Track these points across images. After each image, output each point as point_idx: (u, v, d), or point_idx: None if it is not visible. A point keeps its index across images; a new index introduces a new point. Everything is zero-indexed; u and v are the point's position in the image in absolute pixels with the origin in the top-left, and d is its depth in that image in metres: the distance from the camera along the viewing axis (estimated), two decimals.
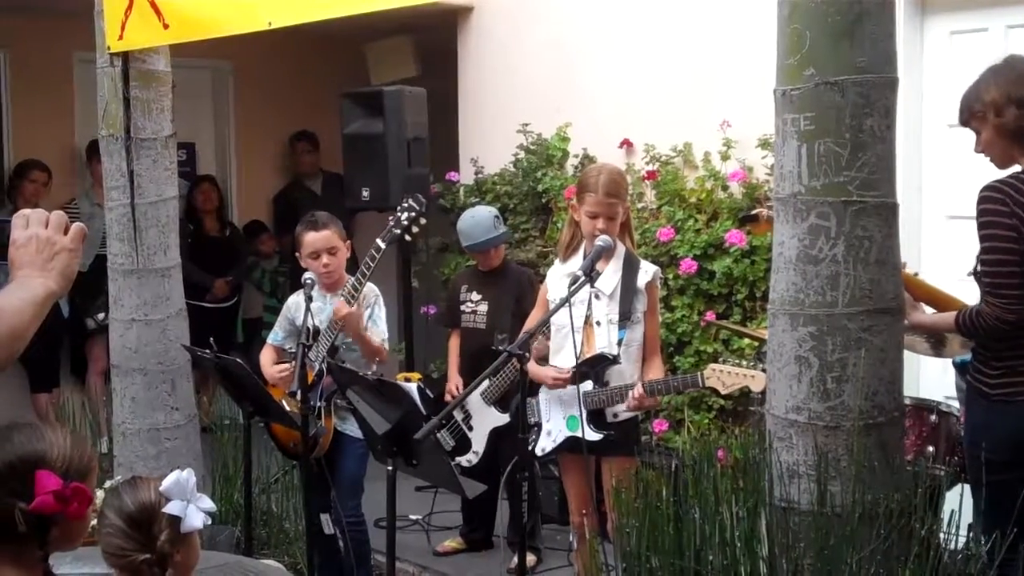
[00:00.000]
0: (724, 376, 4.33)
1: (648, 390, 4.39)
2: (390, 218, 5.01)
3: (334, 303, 4.94)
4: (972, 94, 3.64)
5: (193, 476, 2.61)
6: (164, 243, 5.47)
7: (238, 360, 4.87)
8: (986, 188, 3.53)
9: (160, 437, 5.49)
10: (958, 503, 3.77)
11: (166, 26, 4.92)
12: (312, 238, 5.01)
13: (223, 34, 4.95)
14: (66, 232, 2.35)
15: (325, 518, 5.03)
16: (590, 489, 4.58)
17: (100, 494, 3.38)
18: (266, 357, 5.25)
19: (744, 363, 4.40)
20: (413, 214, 4.94)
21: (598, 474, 4.64)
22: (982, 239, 3.53)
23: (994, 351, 3.58)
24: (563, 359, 4.53)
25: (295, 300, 5.20)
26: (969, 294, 3.81)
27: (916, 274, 3.81)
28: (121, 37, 5.15)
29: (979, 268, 3.57)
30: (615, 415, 4.49)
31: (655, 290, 4.57)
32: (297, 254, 5.14)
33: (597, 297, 4.47)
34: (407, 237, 5.04)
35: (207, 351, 4.86)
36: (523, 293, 5.69)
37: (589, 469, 4.51)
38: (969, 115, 3.65)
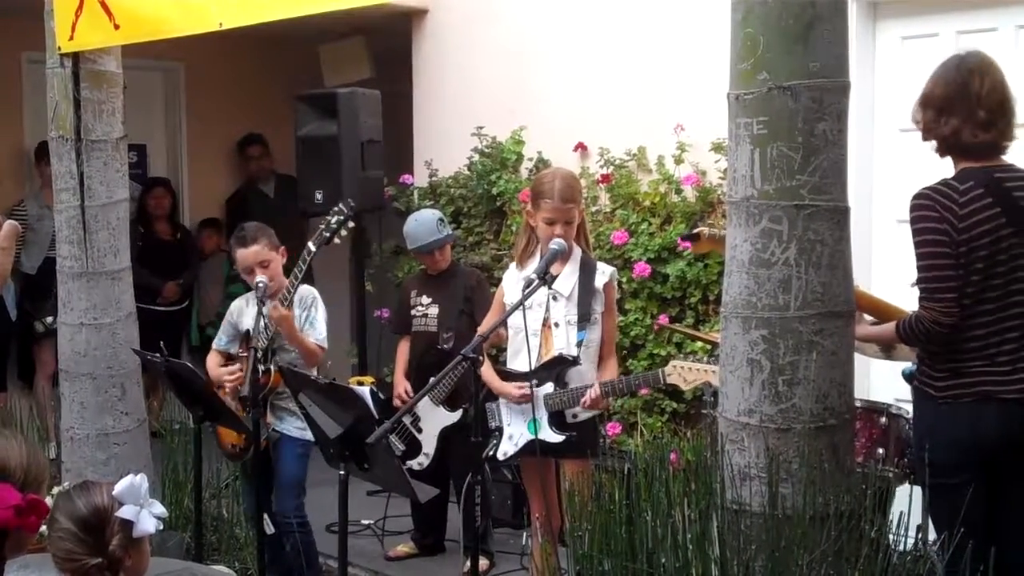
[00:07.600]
0: (685, 372, 4.35)
1: (608, 390, 4.42)
2: (320, 223, 5.06)
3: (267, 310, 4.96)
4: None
5: (146, 481, 2.59)
6: (114, 246, 5.41)
7: (188, 364, 4.85)
8: (916, 196, 3.58)
9: (109, 442, 5.43)
10: (907, 505, 3.80)
11: (117, 26, 4.87)
12: (242, 255, 5.05)
13: (174, 35, 4.90)
14: None
15: (267, 518, 5.02)
16: (551, 490, 4.58)
17: (49, 501, 3.34)
18: (212, 361, 5.28)
19: (705, 358, 4.42)
20: (341, 217, 4.99)
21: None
22: (916, 245, 3.57)
23: (939, 354, 3.61)
24: (521, 362, 4.53)
25: (237, 305, 5.27)
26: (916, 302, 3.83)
27: (858, 286, 3.83)
28: (72, 37, 5.09)
29: (917, 275, 3.59)
30: (574, 416, 4.50)
31: (612, 290, 4.62)
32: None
33: (555, 299, 4.48)
34: (336, 240, 5.08)
35: (157, 355, 4.83)
36: (472, 292, 5.70)
37: (548, 470, 4.51)
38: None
